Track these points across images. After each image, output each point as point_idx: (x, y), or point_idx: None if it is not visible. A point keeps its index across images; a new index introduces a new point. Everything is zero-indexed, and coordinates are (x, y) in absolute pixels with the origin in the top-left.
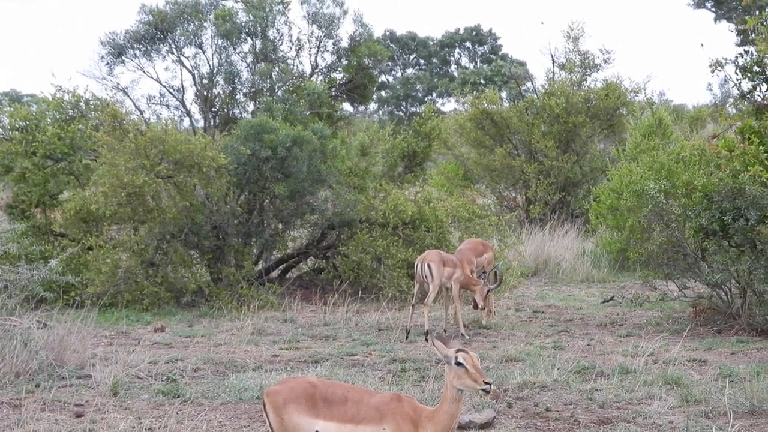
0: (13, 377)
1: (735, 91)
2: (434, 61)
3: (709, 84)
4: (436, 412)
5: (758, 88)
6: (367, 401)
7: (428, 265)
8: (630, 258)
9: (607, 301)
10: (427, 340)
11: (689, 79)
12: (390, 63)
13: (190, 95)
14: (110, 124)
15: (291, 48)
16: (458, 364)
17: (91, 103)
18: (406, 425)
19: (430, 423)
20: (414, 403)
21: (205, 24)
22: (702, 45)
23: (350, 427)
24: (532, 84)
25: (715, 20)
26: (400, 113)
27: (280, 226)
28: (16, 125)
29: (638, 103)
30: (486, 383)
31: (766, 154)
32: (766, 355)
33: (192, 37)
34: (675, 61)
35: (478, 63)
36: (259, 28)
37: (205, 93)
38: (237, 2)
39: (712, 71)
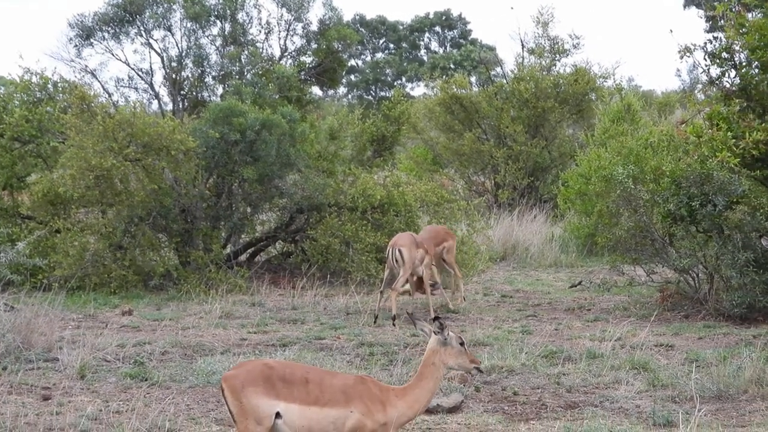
0: None
1: (704, 77)
2: (404, 45)
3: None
4: (409, 390)
5: (727, 74)
6: (330, 383)
7: (399, 251)
8: (598, 243)
9: (575, 286)
10: (394, 324)
11: (658, 64)
12: (359, 47)
13: (158, 78)
14: (78, 107)
15: (260, 31)
16: (461, 344)
17: (59, 85)
18: (375, 406)
19: (401, 401)
20: (379, 384)
21: (174, 6)
22: (671, 31)
23: (315, 409)
24: (502, 69)
25: (684, 6)
26: (370, 97)
27: (249, 209)
28: None
29: (607, 89)
30: (478, 363)
31: (734, 140)
32: (732, 340)
33: (161, 19)
34: (644, 46)
35: (447, 48)
36: (228, 11)
37: (173, 76)
38: None
39: (681, 57)
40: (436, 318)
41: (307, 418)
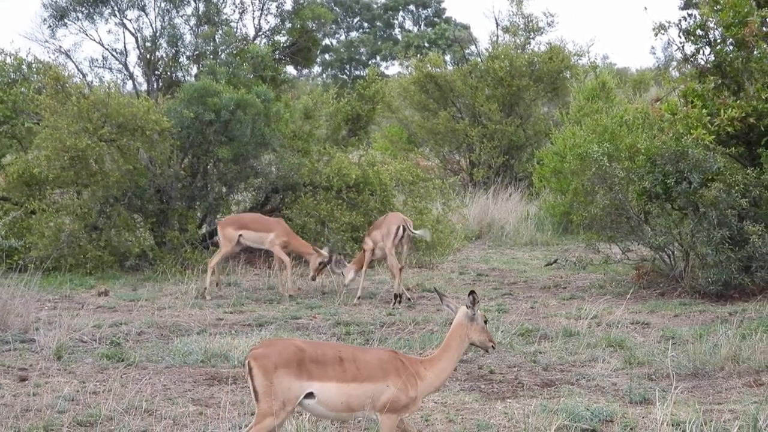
0: None
1: (678, 55)
2: (378, 24)
3: (653, 47)
4: (435, 362)
5: (701, 52)
6: (365, 359)
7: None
8: (573, 221)
9: (551, 264)
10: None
11: (633, 42)
12: (334, 26)
13: (133, 58)
14: (53, 87)
15: (234, 11)
16: (485, 321)
17: (33, 66)
18: (409, 380)
19: (430, 372)
20: (409, 357)
21: None
22: (645, 8)
23: (354, 386)
24: (476, 47)
25: None
26: (344, 76)
27: (224, 189)
28: None
29: (582, 67)
30: (495, 342)
31: (708, 118)
32: (708, 318)
33: None
34: (618, 24)
35: (421, 26)
36: None
37: (148, 56)
38: None
39: (656, 35)
40: (471, 293)
41: (345, 395)
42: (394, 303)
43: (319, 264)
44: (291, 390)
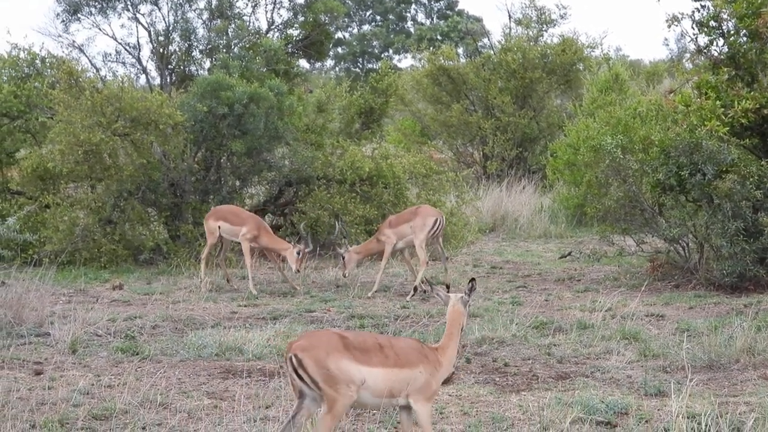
0: None
1: (692, 46)
2: (390, 17)
3: (666, 39)
4: (445, 349)
5: (715, 43)
6: (400, 346)
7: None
8: (587, 213)
9: (565, 257)
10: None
11: (646, 34)
12: (346, 19)
13: (146, 53)
14: (66, 82)
15: (247, 4)
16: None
17: (47, 60)
18: (436, 365)
19: (444, 359)
20: (428, 345)
21: None
22: (658, 0)
23: (395, 371)
24: (489, 40)
25: None
26: (357, 70)
27: (238, 183)
28: None
29: (595, 59)
30: None
31: (722, 109)
32: (723, 310)
33: None
34: (631, 16)
35: (434, 19)
36: None
37: (161, 50)
38: None
39: (669, 26)
40: (472, 280)
41: (390, 381)
42: (413, 294)
43: (298, 254)
44: (351, 372)
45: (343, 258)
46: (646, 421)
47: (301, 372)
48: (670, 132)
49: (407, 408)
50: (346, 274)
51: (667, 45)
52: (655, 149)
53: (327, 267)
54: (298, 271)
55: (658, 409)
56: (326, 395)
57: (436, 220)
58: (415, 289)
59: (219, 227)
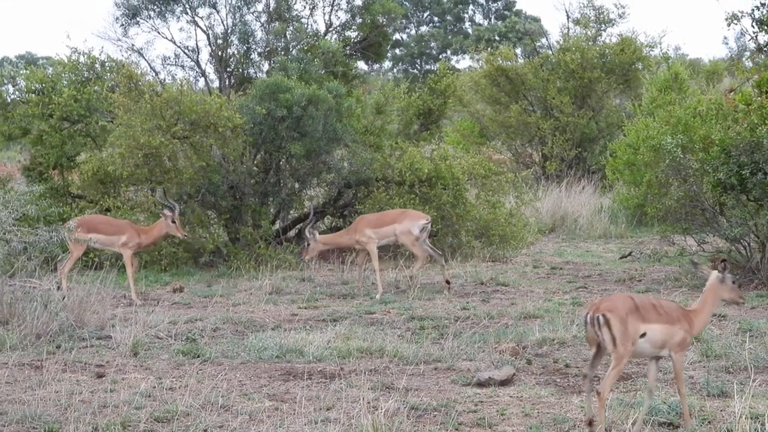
0: (34, 339)
1: (751, 45)
2: (448, 18)
3: (725, 37)
4: (698, 312)
5: None
6: (667, 306)
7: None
8: (647, 213)
9: (625, 257)
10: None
11: (705, 32)
12: (404, 20)
13: (204, 55)
14: (126, 86)
15: (305, 7)
16: (733, 282)
17: (106, 64)
18: (690, 323)
19: (697, 320)
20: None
21: None
22: None
23: (668, 327)
24: (547, 40)
25: None
26: (415, 71)
27: (297, 185)
28: (33, 88)
29: (654, 58)
30: (743, 299)
31: None
32: None
33: None
34: (690, 14)
35: (492, 19)
36: None
37: (219, 53)
38: None
39: (729, 24)
40: (723, 261)
41: (664, 335)
42: (448, 289)
43: (173, 222)
44: (638, 331)
45: (308, 244)
46: (709, 423)
47: (604, 329)
48: (731, 131)
49: (657, 359)
50: (306, 260)
51: (727, 43)
52: (716, 148)
53: (386, 269)
54: (185, 236)
55: (721, 410)
56: (617, 352)
57: (425, 223)
58: (411, 278)
59: (91, 238)
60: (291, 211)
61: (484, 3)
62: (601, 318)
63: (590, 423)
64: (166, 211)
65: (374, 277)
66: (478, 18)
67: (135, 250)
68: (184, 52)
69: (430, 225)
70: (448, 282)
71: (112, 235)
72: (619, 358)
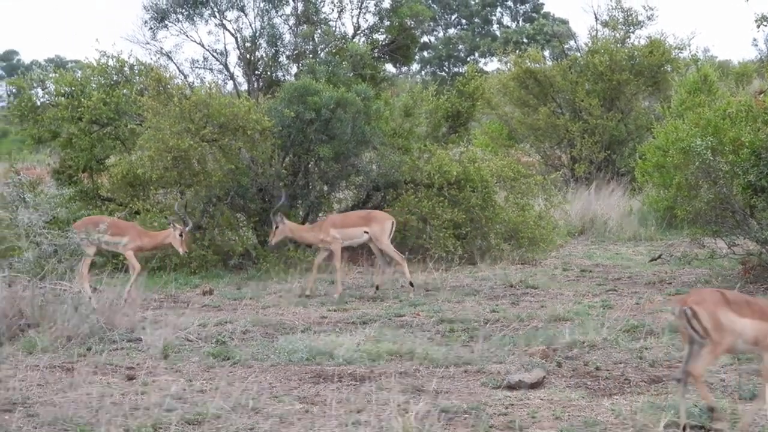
0: (65, 341)
1: None
2: (476, 20)
3: (755, 39)
4: None
5: None
6: (756, 302)
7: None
8: (677, 216)
9: (655, 260)
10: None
11: (734, 34)
12: (432, 23)
13: (233, 59)
14: (155, 89)
15: (333, 10)
16: None
17: (135, 68)
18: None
19: None
20: None
21: None
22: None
23: (759, 323)
24: (575, 42)
25: None
26: (443, 73)
27: (326, 188)
28: (62, 91)
29: (683, 60)
30: None
31: None
32: None
33: (234, 0)
34: (719, 16)
35: (520, 22)
36: None
37: (248, 56)
38: None
39: (758, 26)
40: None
41: (756, 330)
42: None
43: (180, 236)
44: (734, 322)
45: (276, 227)
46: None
47: (694, 322)
48: (761, 133)
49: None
50: (273, 243)
51: (756, 45)
52: (746, 150)
53: (415, 271)
54: (186, 252)
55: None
56: (713, 339)
57: (392, 223)
58: (411, 284)
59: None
60: (320, 214)
61: (512, 5)
62: (689, 311)
63: (712, 410)
64: (178, 224)
65: (403, 279)
66: (506, 20)
67: (135, 252)
68: (213, 56)
69: (394, 226)
70: (378, 287)
71: (115, 235)
72: (715, 344)
